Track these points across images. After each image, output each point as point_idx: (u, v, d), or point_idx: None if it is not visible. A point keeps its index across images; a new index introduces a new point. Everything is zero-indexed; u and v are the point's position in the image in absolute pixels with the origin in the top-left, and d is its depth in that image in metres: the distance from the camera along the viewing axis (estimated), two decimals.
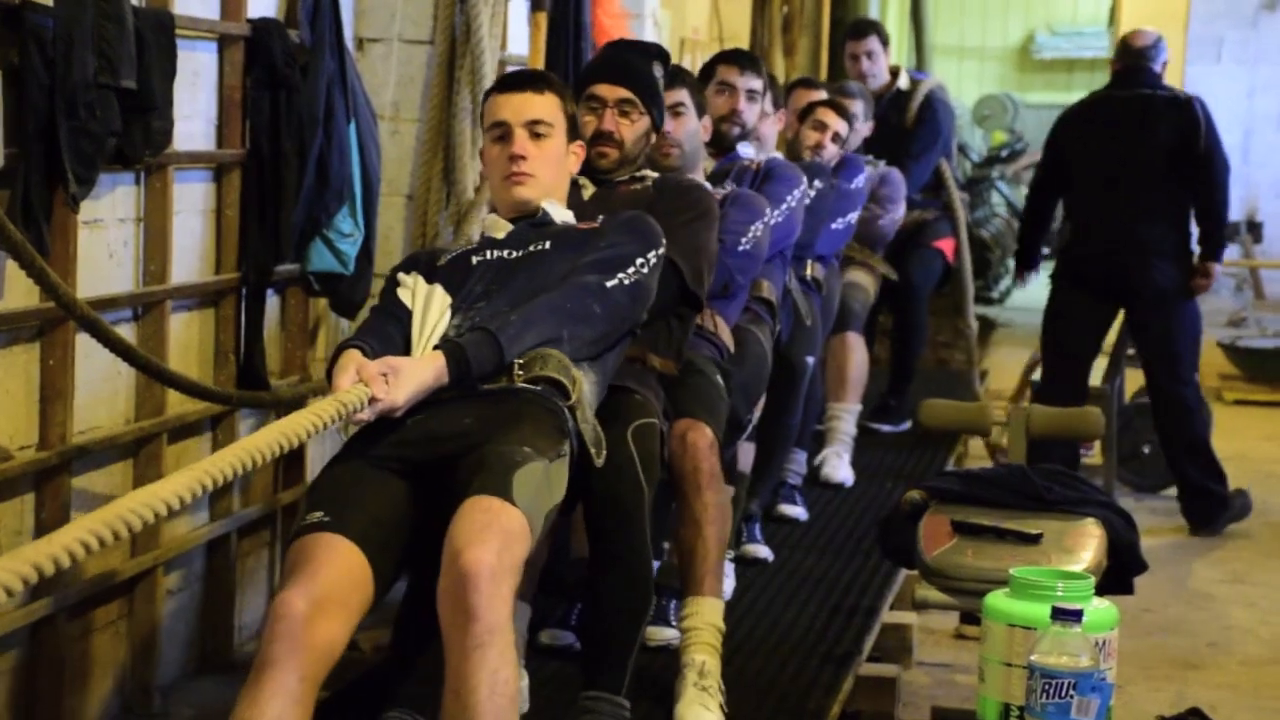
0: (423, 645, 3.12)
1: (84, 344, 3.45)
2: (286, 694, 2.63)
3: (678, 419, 3.63)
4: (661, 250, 3.34)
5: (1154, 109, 6.23)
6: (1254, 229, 11.34)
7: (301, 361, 4.39)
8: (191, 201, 3.93)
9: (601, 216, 3.44)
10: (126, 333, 3.65)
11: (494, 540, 2.68)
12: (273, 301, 4.29)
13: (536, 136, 3.33)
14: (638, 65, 3.86)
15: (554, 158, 3.36)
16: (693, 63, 7.90)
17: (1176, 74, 9.80)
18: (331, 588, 2.74)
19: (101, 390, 3.63)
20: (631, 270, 3.23)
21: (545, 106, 3.34)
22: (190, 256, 3.94)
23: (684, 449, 3.60)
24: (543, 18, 5.13)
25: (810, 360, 5.03)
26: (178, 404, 3.86)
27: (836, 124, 5.74)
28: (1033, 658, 2.41)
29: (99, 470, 3.64)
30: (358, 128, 4.29)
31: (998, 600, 2.63)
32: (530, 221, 3.34)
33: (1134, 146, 6.21)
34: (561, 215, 3.38)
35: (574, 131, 3.43)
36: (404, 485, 2.95)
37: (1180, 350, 6.23)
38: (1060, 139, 6.48)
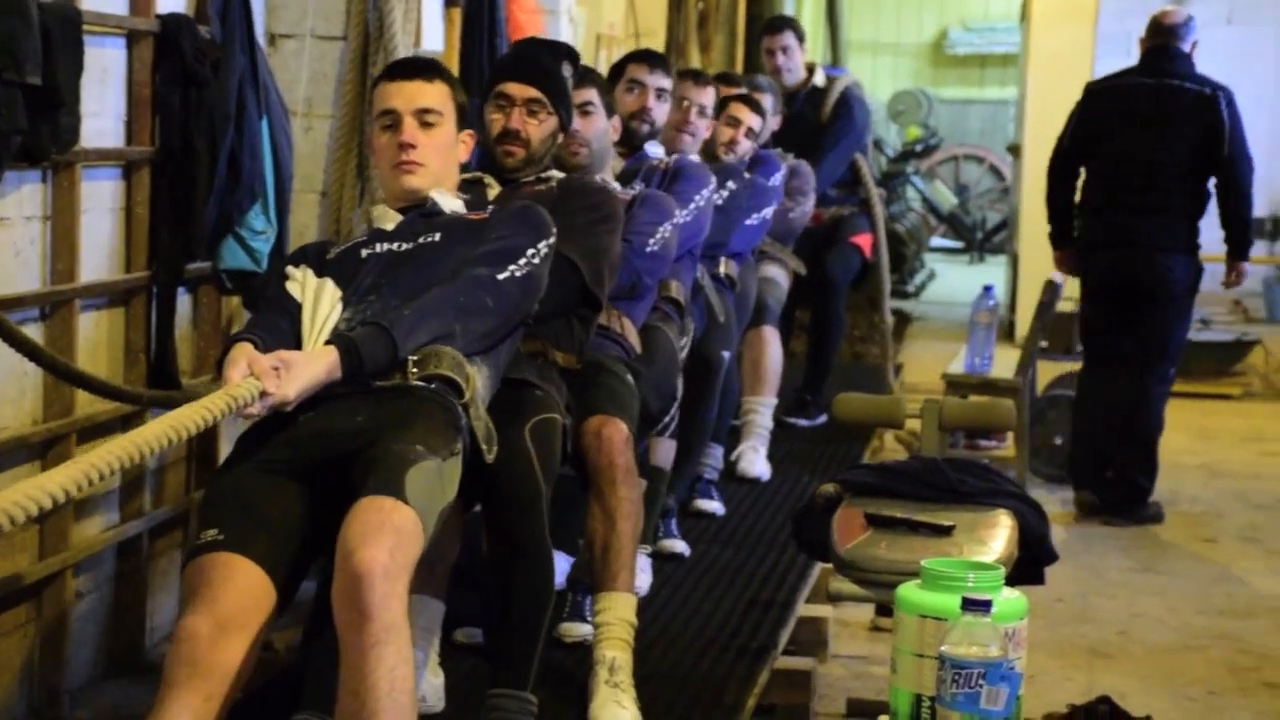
0: (334, 644, 3.10)
1: None
2: (189, 712, 2.66)
3: (591, 415, 3.64)
4: (552, 240, 3.34)
5: (1180, 107, 6.16)
6: None
7: (214, 360, 4.35)
8: (100, 199, 3.89)
9: (491, 207, 3.44)
10: (34, 332, 3.61)
11: (386, 539, 2.69)
12: (184, 300, 4.25)
13: (426, 125, 3.32)
14: (547, 64, 3.85)
15: (443, 146, 3.35)
16: (609, 58, 7.90)
17: (1086, 69, 9.92)
18: (233, 609, 2.75)
19: (8, 390, 3.58)
20: (523, 261, 3.24)
21: (434, 95, 3.34)
22: (99, 255, 3.89)
23: (599, 444, 3.61)
24: (457, 13, 5.11)
25: (725, 355, 5.05)
26: (87, 404, 3.81)
27: (750, 119, 5.76)
28: (943, 648, 2.42)
29: (6, 472, 3.59)
30: (270, 124, 4.26)
31: (909, 591, 2.64)
32: (420, 212, 3.34)
33: (1157, 142, 6.18)
34: (451, 205, 3.37)
35: (463, 120, 3.42)
36: (297, 488, 2.94)
37: (1170, 346, 6.28)
38: (1087, 117, 6.40)
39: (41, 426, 3.67)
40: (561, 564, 4.32)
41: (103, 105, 3.85)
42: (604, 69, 7.66)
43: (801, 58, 7.07)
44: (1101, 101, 6.39)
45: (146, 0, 3.94)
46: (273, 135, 4.25)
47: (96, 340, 3.91)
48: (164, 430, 2.56)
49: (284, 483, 2.93)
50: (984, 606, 2.42)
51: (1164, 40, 6.29)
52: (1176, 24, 6.30)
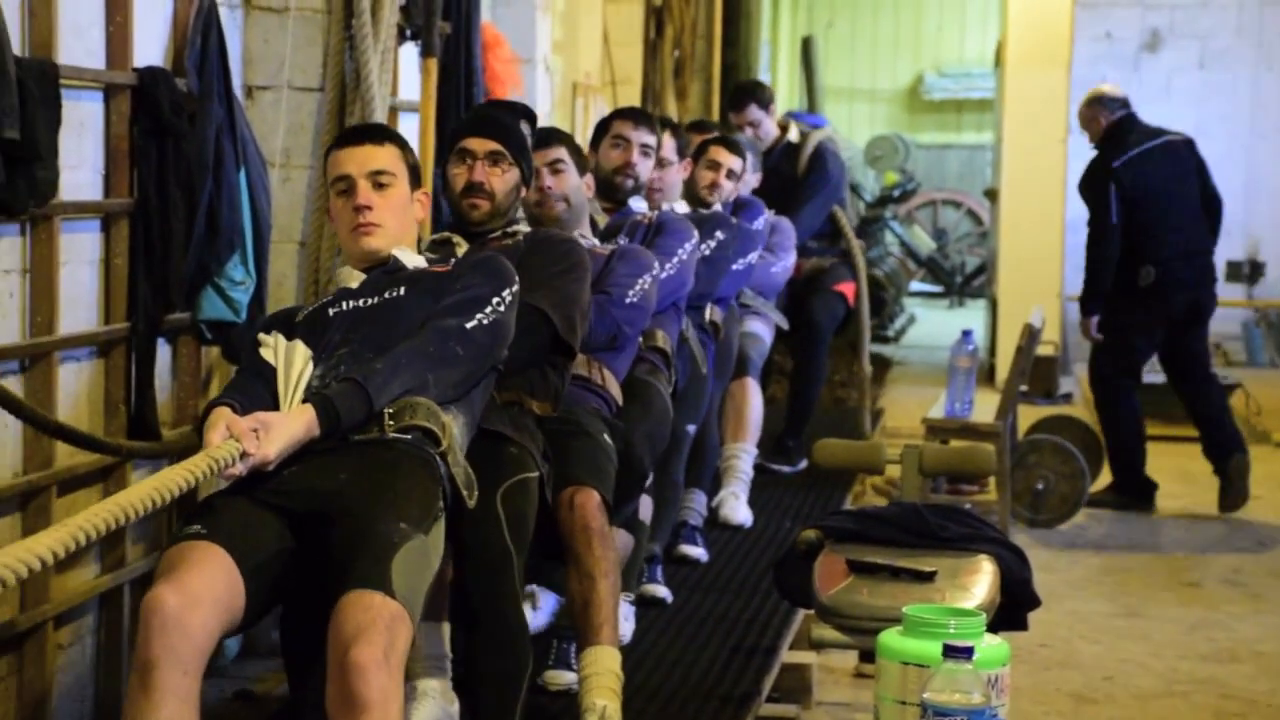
0: (317, 679, 3.12)
1: None
2: (174, 692, 2.69)
3: (565, 485, 3.70)
4: (515, 287, 3.42)
5: (1184, 156, 7.30)
6: None
7: (194, 411, 4.34)
8: (79, 251, 3.88)
9: (453, 259, 3.51)
10: (14, 384, 3.59)
11: (380, 638, 2.77)
12: (164, 351, 4.24)
13: (380, 187, 3.40)
14: (504, 121, 3.98)
15: (398, 206, 3.43)
16: (585, 106, 7.94)
17: (1061, 114, 9.98)
18: (203, 585, 2.80)
19: None
20: (489, 309, 3.32)
21: (386, 157, 3.42)
22: (78, 307, 3.88)
23: (572, 512, 3.67)
24: (433, 64, 5.13)
25: (691, 429, 5.10)
26: (67, 456, 3.80)
27: (730, 161, 5.82)
28: (925, 695, 2.43)
29: None
30: (248, 175, 4.26)
31: (891, 638, 2.65)
32: (383, 269, 3.41)
33: (1187, 190, 7.31)
34: (413, 261, 3.45)
35: (416, 180, 3.51)
36: (281, 525, 3.01)
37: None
38: (1127, 190, 7.17)
39: (22, 479, 3.65)
40: (550, 603, 4.32)
41: (80, 158, 3.85)
42: (581, 117, 7.75)
43: (772, 121, 7.11)
44: (1135, 172, 7.14)
45: (123, 54, 3.94)
46: (250, 186, 4.26)
47: (76, 392, 3.89)
48: (148, 493, 2.63)
49: (269, 516, 3.00)
50: (966, 653, 2.42)
51: (1127, 105, 7.32)
52: (1120, 93, 7.36)
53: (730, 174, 5.82)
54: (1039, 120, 10.10)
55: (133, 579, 4.11)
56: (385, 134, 3.49)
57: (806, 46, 14.47)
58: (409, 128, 5.33)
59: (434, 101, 5.16)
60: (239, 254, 4.22)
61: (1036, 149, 10.12)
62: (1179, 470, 8.17)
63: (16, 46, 3.45)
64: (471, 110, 4.08)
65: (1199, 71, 11.63)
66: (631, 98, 8.84)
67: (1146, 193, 7.12)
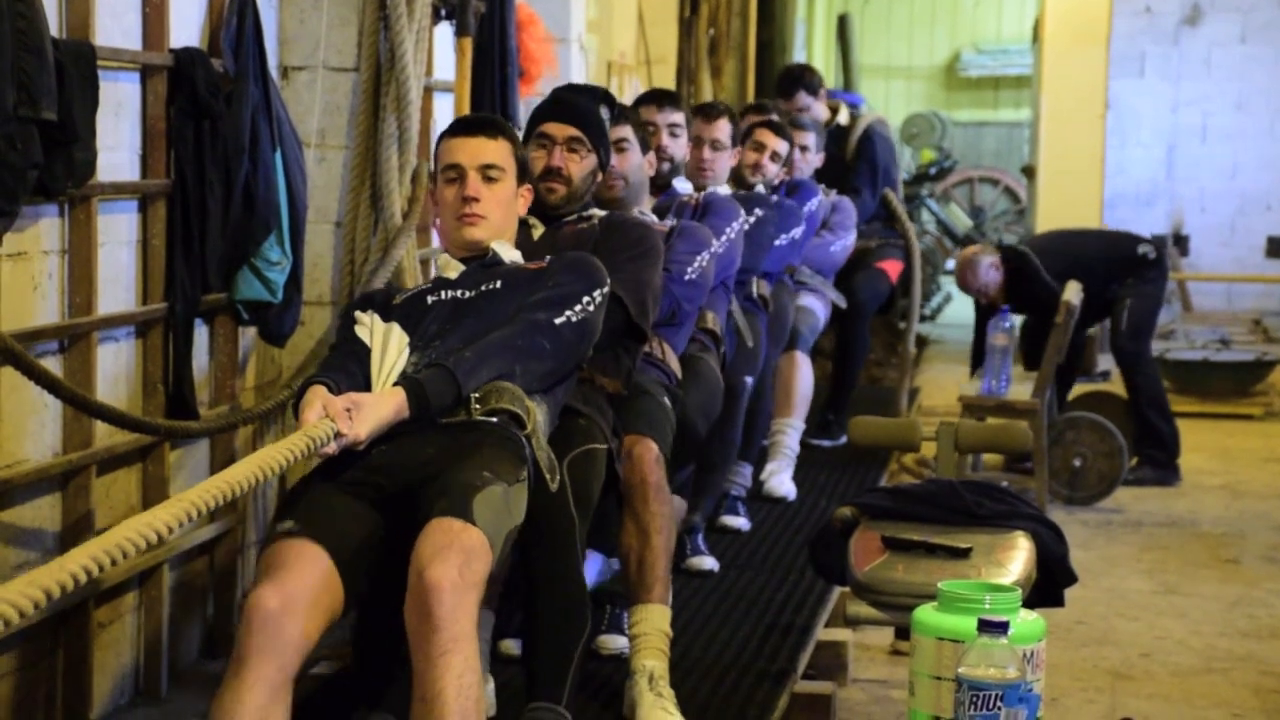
0: (385, 654, 3.27)
1: (9, 377, 3.42)
2: (265, 683, 2.79)
3: (625, 436, 3.79)
4: (606, 289, 3.53)
5: None
6: (1180, 242, 11.49)
7: (231, 390, 4.37)
8: (116, 232, 3.91)
9: (549, 257, 3.62)
10: (53, 365, 3.62)
11: (455, 557, 2.87)
12: (201, 331, 4.27)
13: (489, 180, 3.50)
14: (585, 106, 4.04)
15: (505, 200, 3.53)
16: (620, 86, 7.93)
17: (1100, 90, 9.92)
18: (302, 587, 2.90)
19: (28, 423, 3.59)
20: (579, 308, 3.42)
21: (498, 151, 3.52)
22: (116, 287, 3.91)
23: (630, 463, 3.77)
24: (468, 43, 5.13)
25: (749, 380, 5.19)
26: (106, 435, 3.83)
27: (774, 143, 5.88)
28: (960, 670, 2.42)
29: (27, 504, 3.60)
30: (283, 155, 4.27)
31: (926, 614, 2.65)
32: (481, 262, 3.51)
33: None
34: (510, 255, 3.56)
35: (523, 175, 3.61)
36: (371, 510, 3.10)
37: None
38: None
39: (62, 459, 3.68)
40: (596, 563, 4.37)
41: (118, 139, 3.87)
42: (616, 97, 7.74)
43: (821, 103, 7.13)
44: None
45: (160, 35, 3.96)
46: (286, 167, 4.27)
47: (115, 372, 3.92)
48: (252, 470, 2.76)
49: (359, 503, 3.10)
50: (1001, 628, 2.42)
51: None
52: None
53: (774, 156, 5.90)
54: (1077, 97, 10.06)
55: (171, 558, 4.15)
56: (499, 128, 3.58)
57: (843, 24, 14.43)
58: (443, 107, 5.34)
59: (469, 81, 5.16)
60: (275, 234, 4.24)
61: (1075, 125, 10.08)
62: (1218, 447, 8.13)
63: (54, 28, 3.48)
64: (551, 94, 4.15)
65: (1240, 45, 11.51)
66: (666, 77, 8.84)
67: None
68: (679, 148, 4.99)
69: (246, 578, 4.53)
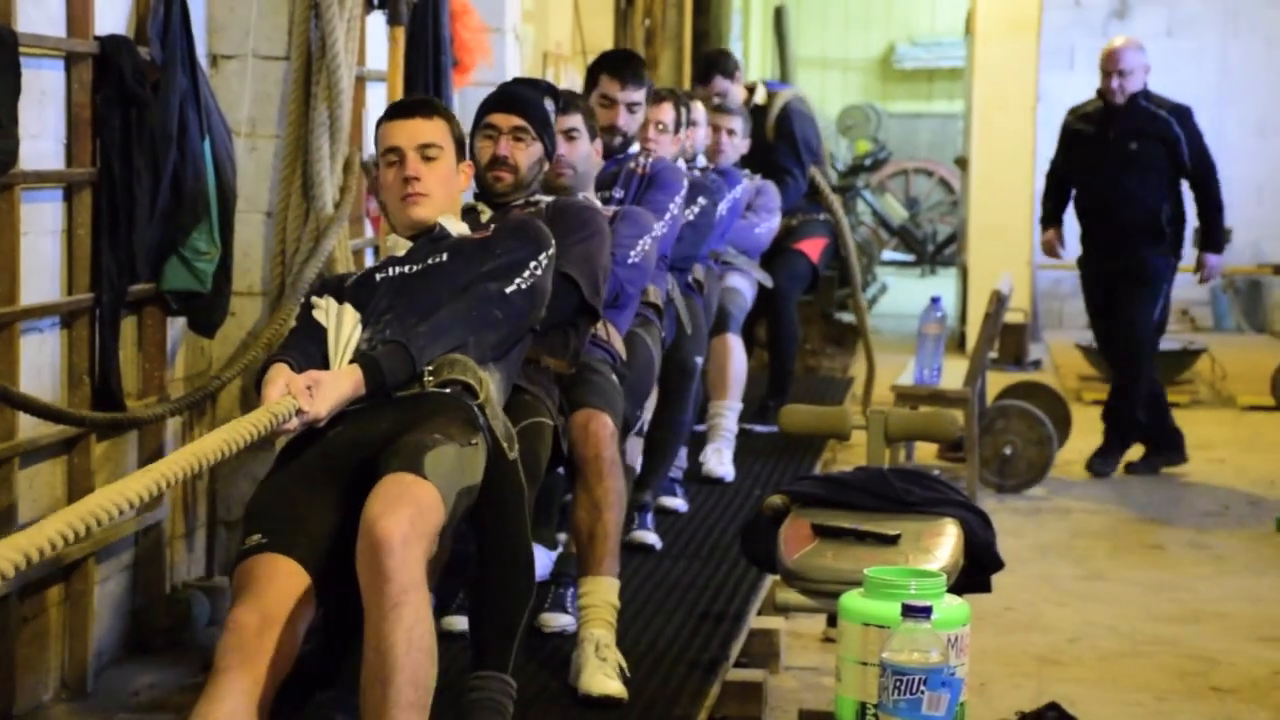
0: (349, 634, 3.29)
1: None
2: (241, 691, 2.89)
3: (578, 410, 3.90)
4: (552, 250, 3.62)
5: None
6: None
7: (159, 381, 4.34)
8: (40, 221, 3.87)
9: (493, 226, 3.71)
10: None
11: (406, 509, 2.95)
12: (129, 321, 4.23)
13: (428, 159, 3.57)
14: (529, 97, 4.14)
15: (445, 177, 3.60)
16: (556, 76, 7.92)
17: (1030, 82, 10.00)
18: (277, 604, 2.99)
19: None
20: (526, 274, 3.51)
21: (434, 130, 3.59)
22: (40, 277, 3.87)
23: (585, 437, 3.87)
24: (400, 32, 5.11)
25: (699, 360, 5.32)
26: (30, 427, 3.79)
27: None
28: (884, 655, 2.45)
29: None
30: (212, 144, 4.25)
31: (852, 600, 2.67)
32: (428, 237, 3.58)
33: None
34: (457, 228, 3.64)
35: (462, 152, 3.68)
36: (333, 490, 3.18)
37: None
38: None
39: None
40: (543, 558, 4.38)
41: (42, 127, 3.83)
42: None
43: (737, 85, 7.10)
44: None
45: (85, 22, 3.92)
46: (215, 156, 4.25)
47: (39, 363, 3.88)
48: (219, 443, 2.83)
49: (320, 487, 3.18)
50: (924, 613, 2.44)
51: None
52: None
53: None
54: (1008, 88, 10.12)
55: (99, 551, 4.11)
56: (434, 107, 3.65)
57: (779, 15, 14.45)
58: (376, 97, 5.32)
59: (401, 71, 5.14)
60: (204, 224, 4.22)
61: (1006, 117, 10.15)
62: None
63: None
64: (498, 87, 4.22)
65: (1167, 39, 11.64)
66: None
67: None
68: (633, 124, 5.06)
69: (175, 570, 4.51)
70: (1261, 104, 11.70)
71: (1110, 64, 7.08)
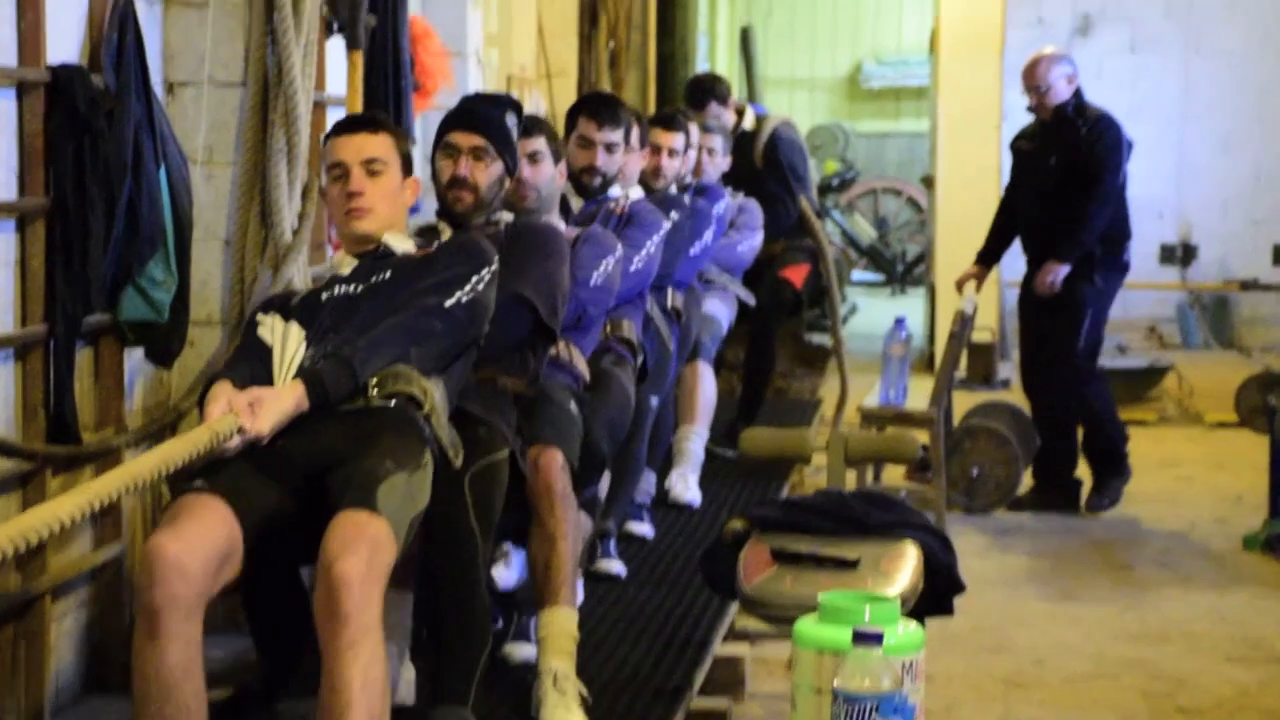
0: (285, 641, 3.38)
1: None
2: (179, 636, 2.91)
3: (530, 445, 3.88)
4: (494, 266, 3.63)
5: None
6: None
7: (117, 413, 4.29)
8: None
9: (436, 243, 3.71)
10: None
11: (363, 550, 2.99)
12: (84, 353, 4.19)
13: (373, 174, 3.60)
14: (489, 114, 4.11)
15: (389, 192, 3.62)
16: (521, 99, 7.90)
17: (995, 100, 10.03)
18: (202, 533, 3.00)
19: None
20: (467, 288, 3.54)
21: (379, 145, 3.62)
22: None
23: (536, 473, 3.86)
24: (359, 57, 5.10)
25: (654, 401, 5.25)
26: None
27: (668, 140, 5.82)
28: (836, 682, 2.43)
29: None
30: (168, 173, 4.22)
31: (806, 626, 2.65)
32: (373, 255, 3.62)
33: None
34: (401, 246, 3.66)
35: (408, 168, 3.70)
36: (281, 490, 3.22)
37: None
38: None
39: None
40: (521, 561, 4.34)
41: None
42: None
43: (729, 110, 7.12)
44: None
45: (36, 50, 3.89)
46: (171, 184, 4.22)
47: None
48: (155, 463, 2.83)
49: (270, 481, 3.21)
50: (875, 639, 2.43)
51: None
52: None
53: (671, 153, 5.84)
54: (973, 107, 10.16)
55: (54, 588, 4.06)
56: (379, 123, 3.69)
57: (745, 37, 14.48)
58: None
59: (360, 95, 5.13)
60: (160, 253, 4.18)
61: (971, 136, 10.18)
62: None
63: None
64: (459, 103, 4.20)
65: (1130, 55, 11.69)
66: (568, 90, 8.82)
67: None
68: (612, 164, 5.00)
69: (134, 605, 4.46)
70: (1225, 120, 11.75)
71: (1027, 80, 6.93)
